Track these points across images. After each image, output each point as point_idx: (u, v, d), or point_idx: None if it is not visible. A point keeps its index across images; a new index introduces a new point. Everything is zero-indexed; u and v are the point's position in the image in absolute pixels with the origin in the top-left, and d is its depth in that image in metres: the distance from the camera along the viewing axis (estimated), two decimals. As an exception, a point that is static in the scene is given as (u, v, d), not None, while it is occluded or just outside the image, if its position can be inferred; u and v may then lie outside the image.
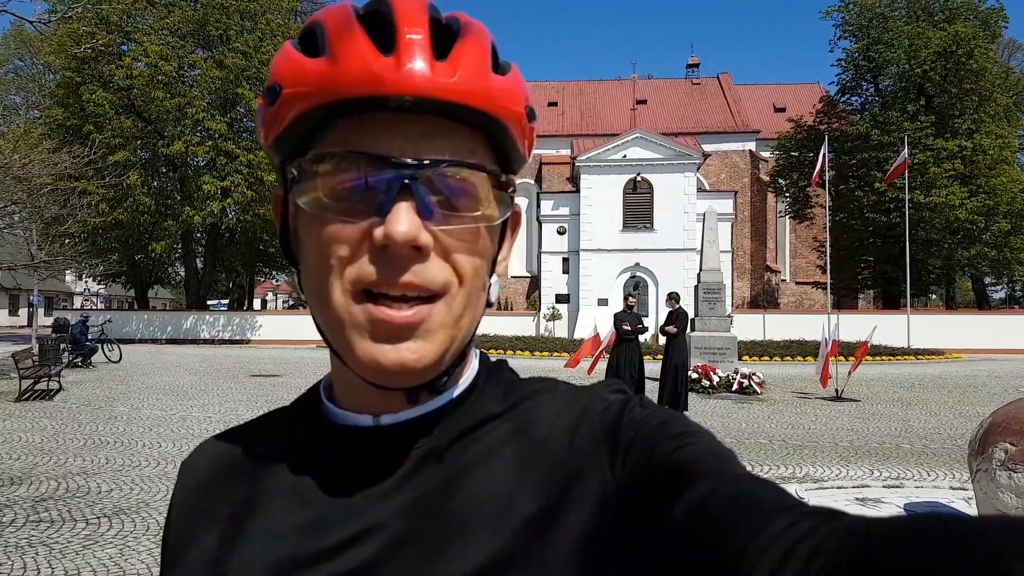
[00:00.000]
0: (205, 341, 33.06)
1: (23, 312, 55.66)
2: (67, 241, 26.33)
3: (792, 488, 6.46)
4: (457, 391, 0.61)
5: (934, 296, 48.98)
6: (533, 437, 0.58)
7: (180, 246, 36.18)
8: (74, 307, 48.69)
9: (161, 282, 45.03)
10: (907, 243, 28.96)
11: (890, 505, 6.20)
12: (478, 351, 0.66)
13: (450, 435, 0.58)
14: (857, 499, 6.44)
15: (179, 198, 32.70)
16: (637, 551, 0.49)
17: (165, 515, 0.68)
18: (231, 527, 0.59)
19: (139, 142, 31.38)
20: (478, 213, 0.55)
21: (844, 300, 38.96)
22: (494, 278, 0.61)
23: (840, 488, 6.89)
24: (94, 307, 52.90)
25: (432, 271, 0.52)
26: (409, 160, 0.52)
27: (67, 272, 44.50)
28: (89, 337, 20.54)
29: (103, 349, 21.07)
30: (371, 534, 0.54)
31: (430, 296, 0.53)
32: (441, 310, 0.53)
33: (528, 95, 0.59)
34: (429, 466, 0.57)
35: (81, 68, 30.22)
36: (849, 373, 14.04)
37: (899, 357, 24.45)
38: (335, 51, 0.52)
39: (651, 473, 0.51)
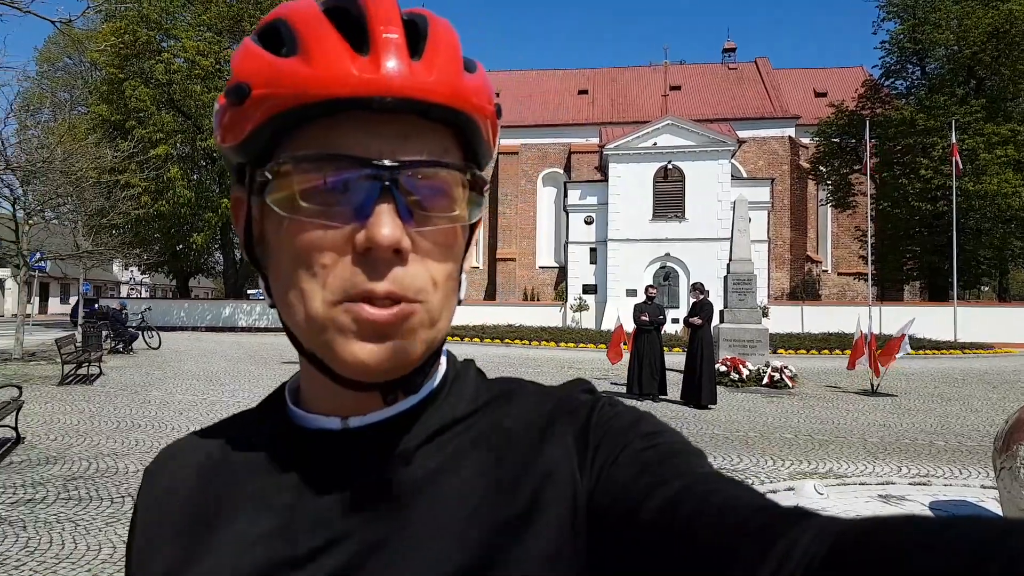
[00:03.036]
0: (243, 329, 33.66)
1: (74, 300, 57.24)
2: (111, 232, 27.02)
3: (811, 484, 6.34)
4: (424, 392, 0.60)
5: (986, 288, 47.50)
6: (502, 439, 0.57)
7: (219, 237, 36.83)
8: (120, 296, 49.97)
9: (202, 272, 45.94)
10: (955, 232, 28.13)
11: (914, 503, 6.05)
12: (446, 350, 0.65)
13: (419, 438, 0.57)
14: (880, 496, 6.29)
15: (218, 191, 33.33)
16: (609, 553, 0.49)
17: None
18: (196, 535, 0.57)
19: (179, 136, 31.98)
20: (454, 213, 0.54)
21: (888, 292, 38.09)
22: (463, 274, 0.61)
23: (863, 484, 6.71)
24: (139, 296, 54.17)
25: (411, 277, 0.52)
26: (388, 162, 0.51)
27: (114, 262, 45.65)
28: (128, 323, 21.15)
29: (143, 336, 21.66)
30: (340, 542, 0.53)
31: (412, 297, 0.52)
32: (420, 312, 0.53)
33: (493, 92, 0.58)
34: (398, 470, 0.56)
35: (123, 65, 30.94)
36: (871, 365, 13.55)
37: (944, 351, 23.62)
38: (308, 50, 0.50)
39: (620, 473, 0.51)
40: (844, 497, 6.25)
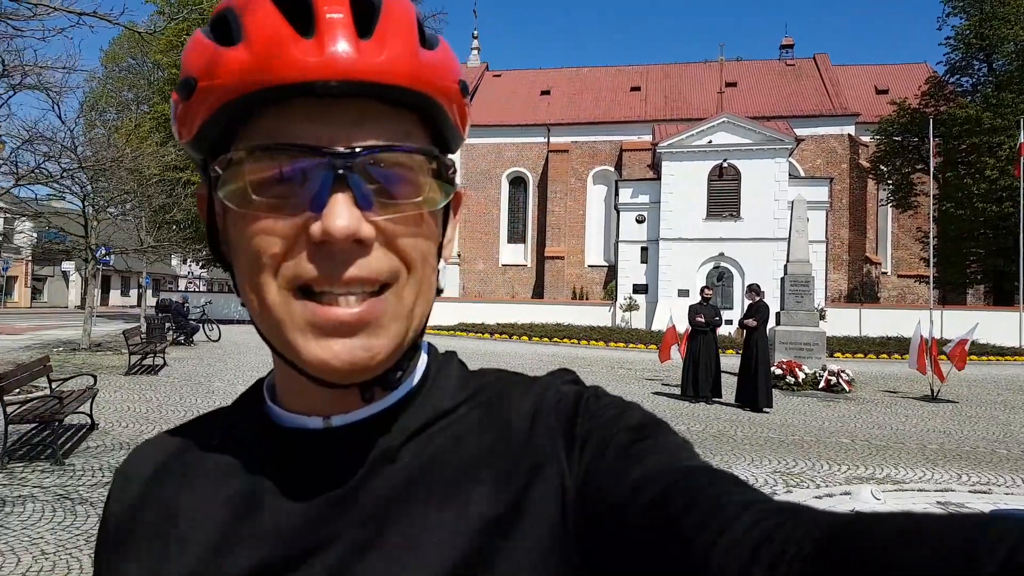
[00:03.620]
0: (299, 323, 34.33)
1: (133, 293, 59.19)
2: (173, 227, 27.87)
3: (867, 489, 6.28)
4: (407, 388, 0.59)
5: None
6: (488, 433, 0.56)
7: (276, 232, 37.72)
8: (179, 289, 51.49)
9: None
10: (1022, 235, 27.18)
11: (974, 510, 5.93)
12: (426, 343, 0.63)
13: (403, 434, 0.56)
14: (939, 503, 6.20)
15: (276, 187, 34.12)
16: (599, 549, 0.48)
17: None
18: (173, 539, 0.56)
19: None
20: (419, 199, 0.52)
21: (951, 295, 36.93)
22: (442, 263, 0.59)
23: (921, 491, 6.63)
24: (197, 289, 55.71)
25: (377, 262, 0.50)
26: (340, 149, 0.48)
27: (173, 256, 47.00)
28: (189, 317, 21.83)
29: (204, 329, 22.33)
30: (327, 544, 0.51)
31: (379, 288, 0.51)
32: (392, 302, 0.51)
33: (459, 69, 0.56)
34: (383, 468, 0.54)
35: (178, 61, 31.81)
36: (935, 371, 13.18)
37: (1009, 357, 22.87)
38: (249, 36, 0.48)
39: (609, 467, 0.50)
40: (902, 503, 6.18)
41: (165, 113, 32.86)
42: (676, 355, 13.34)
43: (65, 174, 15.26)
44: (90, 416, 8.48)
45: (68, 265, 51.32)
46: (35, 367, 8.16)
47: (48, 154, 14.29)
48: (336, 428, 0.56)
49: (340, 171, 0.48)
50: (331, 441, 0.56)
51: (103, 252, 21.58)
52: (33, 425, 7.54)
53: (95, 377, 9.22)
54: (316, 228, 0.48)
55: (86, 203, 19.41)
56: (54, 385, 8.66)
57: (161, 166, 21.52)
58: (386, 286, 0.51)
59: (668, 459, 0.49)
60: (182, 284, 60.77)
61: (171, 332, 20.29)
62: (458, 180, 0.56)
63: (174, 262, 59.62)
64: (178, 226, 29.23)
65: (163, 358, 15.25)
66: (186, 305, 22.75)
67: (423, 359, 0.62)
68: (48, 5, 6.47)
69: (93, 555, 0.64)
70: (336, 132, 0.49)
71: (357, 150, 0.49)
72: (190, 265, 58.08)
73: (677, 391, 13.08)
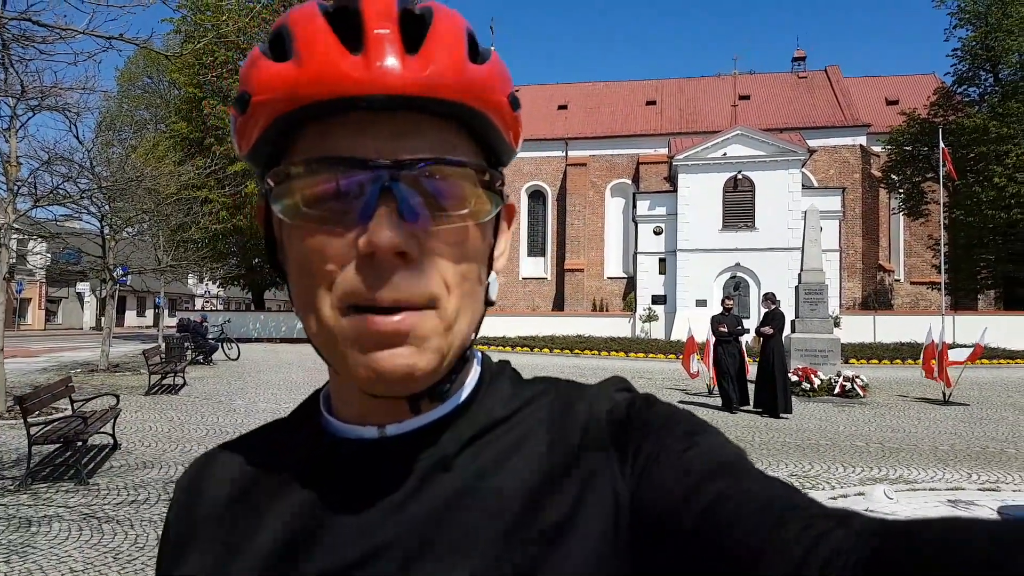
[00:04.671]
0: (317, 340, 34.52)
1: (149, 313, 59.64)
2: (190, 246, 28.19)
3: (880, 489, 6.42)
4: (461, 397, 0.60)
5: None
6: (541, 441, 0.57)
7: (294, 250, 37.96)
8: (195, 308, 51.92)
9: (277, 285, 47.34)
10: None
11: (983, 508, 6.08)
12: (479, 353, 0.65)
13: (457, 444, 0.57)
14: (949, 501, 6.33)
15: (292, 205, 34.29)
16: (652, 556, 0.48)
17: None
18: (231, 547, 0.57)
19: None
20: (465, 211, 0.53)
21: (963, 301, 36.89)
22: (492, 275, 0.60)
23: (932, 490, 6.76)
24: (213, 308, 56.17)
25: (419, 283, 0.50)
26: (386, 161, 0.50)
27: (189, 275, 47.51)
28: (208, 336, 22.01)
29: (223, 347, 22.50)
30: (383, 551, 0.52)
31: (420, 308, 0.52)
32: (431, 317, 0.52)
33: (510, 82, 0.57)
34: (438, 477, 0.55)
35: (202, 84, 32.30)
36: (941, 377, 13.36)
37: (1019, 360, 23.00)
38: (301, 53, 0.50)
39: (661, 475, 0.50)
40: (913, 502, 6.32)
41: (182, 132, 33.35)
42: (699, 366, 13.53)
43: (83, 195, 15.42)
44: (112, 436, 8.50)
45: (83, 286, 51.60)
46: (57, 388, 8.16)
47: (67, 175, 14.43)
48: (391, 438, 0.58)
49: (386, 184, 0.49)
50: (386, 450, 0.57)
51: (121, 272, 21.78)
52: (56, 446, 7.56)
53: (118, 397, 9.23)
54: (363, 241, 0.49)
55: (104, 223, 19.59)
56: (76, 406, 8.67)
57: (179, 185, 21.80)
58: (430, 301, 0.52)
59: (720, 465, 0.49)
60: (199, 303, 61.24)
61: (190, 351, 20.47)
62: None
63: (190, 281, 60.17)
64: (195, 245, 29.49)
65: (183, 377, 15.30)
66: (205, 324, 22.93)
67: (476, 369, 0.63)
68: (75, 29, 6.67)
69: (156, 564, 0.66)
70: (382, 145, 0.50)
71: (402, 162, 0.50)
72: (207, 284, 58.63)
73: (699, 399, 13.32)
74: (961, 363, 13.29)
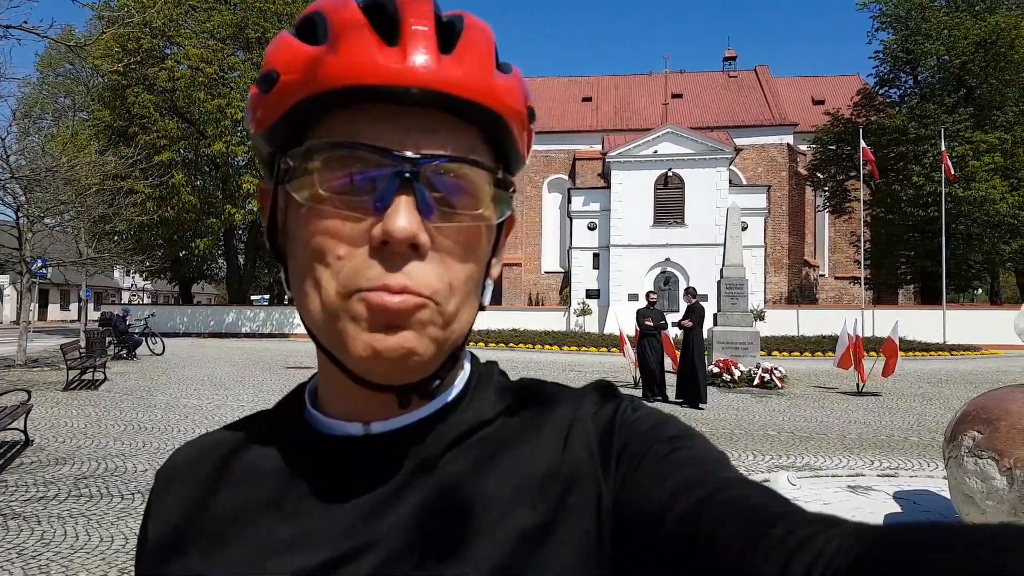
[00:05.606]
0: (246, 335, 33.99)
1: (73, 307, 57.60)
2: (114, 238, 27.32)
3: (784, 476, 6.71)
4: (450, 396, 0.60)
5: (980, 291, 48.04)
6: (527, 443, 0.57)
7: (223, 243, 37.16)
8: (122, 302, 50.35)
9: (205, 278, 46.28)
10: (944, 238, 28.75)
11: (880, 492, 6.40)
12: (469, 353, 0.65)
13: (443, 443, 0.57)
14: (849, 487, 6.65)
15: (221, 196, 33.57)
16: (634, 560, 0.49)
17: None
18: (214, 542, 0.57)
19: (183, 142, 32.35)
20: (478, 212, 0.53)
21: (884, 295, 38.51)
22: (488, 281, 0.60)
23: (835, 477, 7.08)
24: (140, 302, 54.55)
25: (426, 275, 0.51)
26: (410, 154, 0.50)
27: (115, 268, 46.07)
28: (131, 330, 21.42)
29: (147, 342, 21.95)
30: (365, 550, 0.52)
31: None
32: (434, 308, 0.52)
33: (529, 96, 0.59)
34: (423, 477, 0.55)
35: (126, 71, 31.30)
36: (857, 368, 13.93)
37: (933, 353, 24.21)
38: (336, 38, 0.51)
39: (645, 479, 0.50)
40: (815, 488, 6.62)
41: (105, 120, 32.22)
42: (631, 353, 13.86)
43: (-5, 185, 14.71)
44: (24, 432, 8.32)
45: (2, 279, 49.62)
46: (-38, 384, 7.98)
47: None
48: (376, 435, 0.57)
49: (407, 175, 0.50)
50: (371, 448, 0.57)
51: (39, 265, 20.99)
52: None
53: (29, 393, 8.97)
54: (377, 229, 0.49)
55: (20, 214, 18.88)
56: (-15, 402, 8.39)
57: (101, 175, 21.10)
58: (434, 295, 0.52)
59: (703, 470, 0.49)
60: (125, 297, 59.40)
61: (112, 346, 19.89)
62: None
63: (116, 274, 58.32)
64: (120, 237, 28.65)
65: (103, 373, 14.91)
66: (127, 318, 22.25)
67: (466, 369, 0.63)
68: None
69: (134, 556, 0.65)
70: (406, 138, 0.51)
71: (425, 157, 0.51)
72: (133, 277, 56.87)
73: (626, 391, 13.44)
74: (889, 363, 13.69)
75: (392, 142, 0.50)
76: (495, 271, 0.61)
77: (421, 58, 0.49)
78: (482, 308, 0.59)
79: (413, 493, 0.54)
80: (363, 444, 0.57)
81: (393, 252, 0.50)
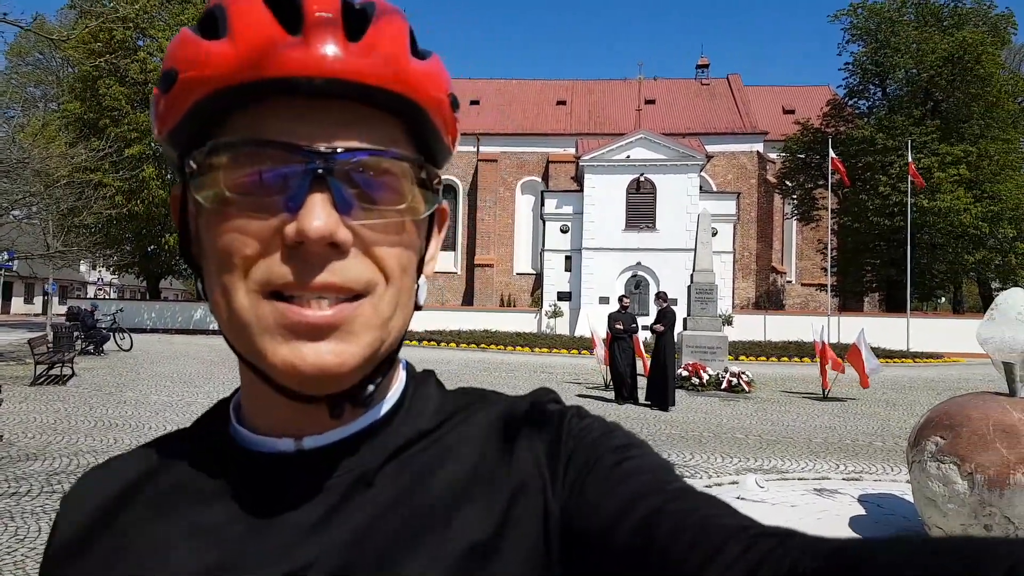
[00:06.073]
0: (215, 332, 33.45)
1: (38, 300, 56.57)
2: (82, 232, 26.91)
3: (752, 478, 6.87)
4: (385, 407, 0.57)
5: (943, 300, 49.16)
6: (469, 454, 0.55)
7: (192, 239, 36.71)
8: (88, 296, 49.50)
9: (173, 273, 45.70)
10: (908, 247, 29.46)
11: (845, 495, 6.59)
12: (404, 361, 0.62)
13: (380, 457, 0.54)
14: (815, 490, 6.83)
15: (191, 191, 33.21)
16: (583, 568, 0.48)
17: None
18: (132, 572, 0.52)
19: (154, 136, 31.97)
20: (402, 206, 0.51)
21: (849, 303, 39.22)
22: (422, 279, 0.58)
23: (801, 480, 7.28)
24: (107, 296, 53.73)
25: (354, 269, 0.48)
26: (322, 148, 0.47)
27: (81, 262, 45.27)
28: (99, 325, 21.13)
29: (115, 338, 21.66)
30: (302, 574, 0.49)
31: (353, 296, 0.49)
32: (367, 310, 0.49)
33: (450, 83, 0.55)
34: (361, 492, 0.52)
35: (98, 63, 30.88)
36: (822, 371, 14.32)
37: (896, 360, 24.74)
38: (236, 31, 0.47)
39: (593, 489, 0.49)
40: (782, 491, 6.79)
41: (75, 112, 31.74)
42: (601, 355, 14.06)
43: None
44: (-6, 428, 8.22)
45: (-33, 271, 48.54)
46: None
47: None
48: (309, 451, 0.54)
49: (320, 171, 0.47)
50: (303, 465, 0.54)
51: (6, 257, 20.60)
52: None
53: (0, 387, 8.93)
54: (291, 229, 0.46)
55: (-13, 206, 18.60)
56: (-48, 397, 8.27)
57: (70, 167, 20.81)
58: (362, 294, 0.49)
59: (653, 480, 0.48)
60: (91, 291, 58.40)
61: (80, 341, 19.62)
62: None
63: (83, 268, 57.32)
64: (88, 230, 28.23)
65: (72, 368, 14.70)
66: (95, 313, 21.95)
67: (401, 377, 0.61)
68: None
69: None
70: (318, 132, 0.48)
71: (339, 151, 0.48)
72: (100, 271, 56.00)
73: (595, 393, 13.86)
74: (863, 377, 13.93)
75: (302, 137, 0.48)
76: (429, 269, 0.59)
77: (325, 47, 0.47)
78: (418, 308, 0.58)
79: (351, 510, 0.51)
80: (295, 461, 0.54)
81: (311, 253, 0.47)
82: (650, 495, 0.46)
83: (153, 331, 32.50)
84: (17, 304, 55.75)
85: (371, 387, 0.53)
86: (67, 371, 14.54)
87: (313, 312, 0.47)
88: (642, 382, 13.05)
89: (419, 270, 0.56)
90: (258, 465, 0.54)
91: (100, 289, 58.88)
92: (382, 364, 0.54)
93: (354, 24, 0.48)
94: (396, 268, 0.51)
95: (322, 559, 0.49)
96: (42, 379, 13.67)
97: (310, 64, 0.46)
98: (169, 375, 15.66)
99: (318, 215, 0.46)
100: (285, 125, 0.48)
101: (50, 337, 17.16)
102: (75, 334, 18.79)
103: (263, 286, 0.48)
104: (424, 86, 0.51)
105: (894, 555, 0.34)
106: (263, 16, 0.47)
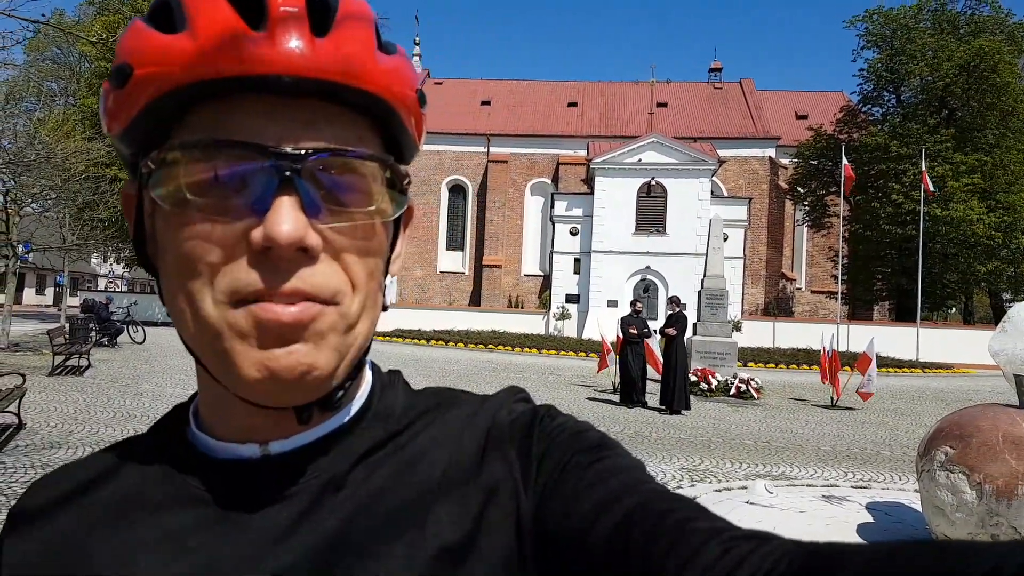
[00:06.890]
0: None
1: (49, 291, 56.95)
2: (97, 225, 27.15)
3: (761, 484, 6.96)
4: (353, 409, 0.56)
5: (953, 310, 49.02)
6: (440, 456, 0.54)
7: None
8: (99, 288, 49.84)
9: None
10: (920, 256, 29.38)
11: (854, 503, 6.67)
12: (371, 362, 0.60)
13: (350, 459, 0.53)
14: (823, 496, 6.92)
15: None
16: (558, 570, 0.47)
17: None
18: None
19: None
20: (371, 208, 0.50)
21: (859, 311, 39.17)
22: (389, 278, 0.57)
23: (810, 486, 7.36)
24: (117, 289, 54.05)
25: (322, 276, 0.47)
26: (289, 149, 0.45)
27: (93, 255, 45.57)
28: (112, 318, 21.35)
29: (128, 330, 21.88)
30: None
31: (320, 302, 0.48)
32: (332, 315, 0.48)
33: (417, 78, 0.54)
34: (330, 496, 0.51)
35: (110, 56, 31.07)
36: (831, 382, 14.39)
37: (905, 369, 24.73)
38: (195, 25, 0.45)
39: (567, 490, 0.49)
40: (791, 496, 6.88)
41: (92, 107, 31.99)
42: (611, 359, 14.19)
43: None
44: (17, 415, 8.37)
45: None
46: (-42, 366, 8.02)
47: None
48: (275, 456, 0.53)
49: (287, 173, 0.45)
50: (269, 471, 0.52)
51: (24, 249, 20.89)
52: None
53: (24, 376, 9.06)
54: (257, 234, 0.45)
55: (7, 198, 18.85)
56: (-24, 384, 8.42)
57: (87, 162, 21.03)
58: (334, 296, 0.48)
59: (627, 481, 0.48)
60: (102, 283, 58.83)
61: (94, 333, 19.84)
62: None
63: (94, 261, 57.71)
64: (103, 224, 28.48)
65: (88, 359, 14.92)
66: (110, 306, 22.19)
67: (368, 379, 0.59)
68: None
69: None
70: (284, 132, 0.46)
71: (306, 152, 0.46)
72: (111, 264, 56.34)
73: (604, 396, 13.92)
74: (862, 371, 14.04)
75: (267, 138, 0.46)
76: (395, 267, 0.58)
77: (291, 42, 0.45)
78: (384, 308, 0.56)
79: (322, 515, 0.50)
80: (260, 467, 0.52)
81: (279, 258, 0.45)
82: (625, 497, 0.46)
83: (165, 325, 32.64)
84: (29, 295, 56.17)
85: (340, 392, 0.52)
86: (84, 362, 14.76)
87: (283, 309, 0.45)
88: (655, 387, 13.16)
89: (386, 270, 0.56)
90: (223, 471, 0.53)
91: (111, 281, 59.29)
92: (351, 369, 0.53)
93: (319, 19, 0.46)
94: (363, 274, 0.50)
95: (291, 567, 0.48)
96: (60, 370, 13.85)
97: (277, 61, 0.44)
98: (182, 368, 15.79)
99: (286, 219, 0.44)
100: (248, 124, 0.46)
101: (67, 328, 17.43)
102: (90, 326, 19.05)
103: (230, 296, 0.46)
104: (393, 83, 0.50)
105: (871, 557, 0.33)
106: (224, 10, 0.45)
